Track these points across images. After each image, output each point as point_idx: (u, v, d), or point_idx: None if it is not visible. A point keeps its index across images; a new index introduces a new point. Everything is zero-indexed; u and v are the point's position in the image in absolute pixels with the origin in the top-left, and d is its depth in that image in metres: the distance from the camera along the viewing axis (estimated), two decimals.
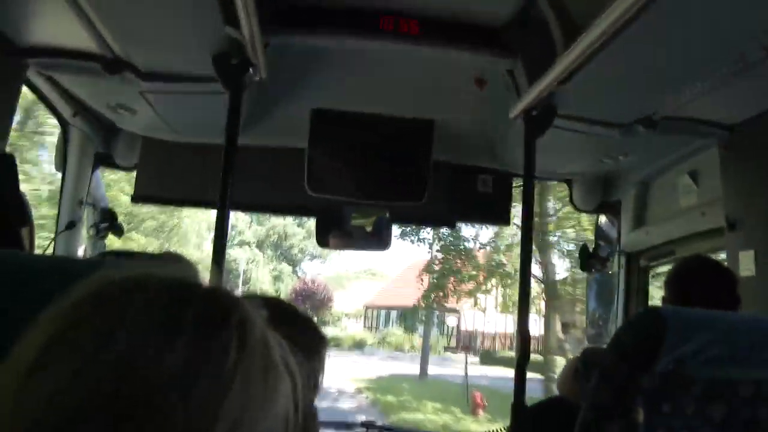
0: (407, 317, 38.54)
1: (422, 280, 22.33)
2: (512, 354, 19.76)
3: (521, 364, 2.34)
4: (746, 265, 2.51)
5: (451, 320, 34.10)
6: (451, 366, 27.23)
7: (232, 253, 43.81)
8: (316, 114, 3.10)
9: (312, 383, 1.86)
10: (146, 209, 23.29)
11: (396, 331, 38.01)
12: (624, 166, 3.30)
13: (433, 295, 21.82)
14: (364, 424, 3.57)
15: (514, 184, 3.55)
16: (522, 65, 2.55)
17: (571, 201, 3.76)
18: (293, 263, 46.31)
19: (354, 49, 2.70)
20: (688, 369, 1.38)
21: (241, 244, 44.55)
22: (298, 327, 1.88)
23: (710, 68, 2.11)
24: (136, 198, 3.54)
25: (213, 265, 2.28)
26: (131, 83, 2.51)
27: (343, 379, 21.22)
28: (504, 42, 2.56)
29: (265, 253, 44.87)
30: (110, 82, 2.48)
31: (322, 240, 3.50)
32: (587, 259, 3.71)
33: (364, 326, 43.58)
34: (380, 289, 45.55)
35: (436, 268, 21.05)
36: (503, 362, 25.56)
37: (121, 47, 2.30)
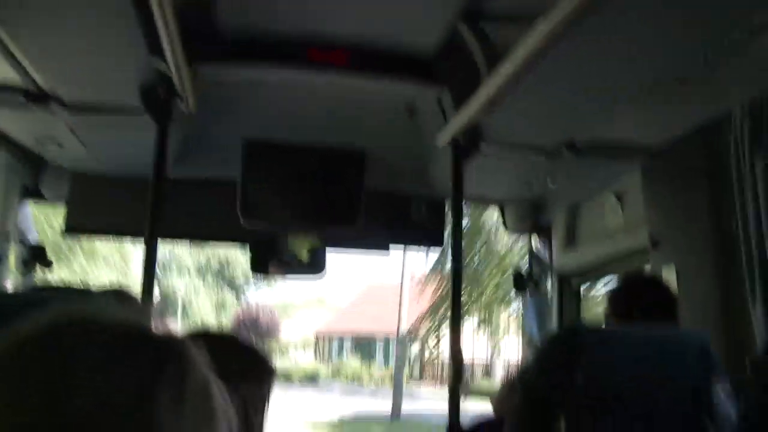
0: (362, 346, 36.88)
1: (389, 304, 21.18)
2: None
3: (454, 387, 2.37)
4: (669, 281, 2.60)
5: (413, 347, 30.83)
6: (421, 400, 23.71)
7: (171, 281, 42.20)
8: (249, 145, 3.10)
9: (260, 410, 1.86)
10: None
11: (351, 362, 35.60)
12: (553, 190, 3.38)
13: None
14: None
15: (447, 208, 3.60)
16: (450, 93, 2.60)
17: (504, 224, 3.82)
18: (237, 291, 44.48)
19: (284, 79, 2.72)
20: (606, 382, 1.43)
21: (180, 271, 42.84)
22: (245, 358, 1.88)
23: (628, 95, 2.20)
24: (67, 230, 3.47)
25: (143, 297, 2.25)
26: (57, 115, 2.47)
27: (298, 422, 17.47)
28: (432, 71, 2.61)
29: (206, 281, 43.16)
30: (35, 114, 2.44)
31: (258, 268, 3.49)
32: (521, 280, 3.78)
33: (315, 357, 41.07)
34: (331, 316, 43.48)
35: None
36: (482, 394, 19.69)
37: (45, 79, 2.27)
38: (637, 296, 2.24)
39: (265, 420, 1.89)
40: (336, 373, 34.33)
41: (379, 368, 33.80)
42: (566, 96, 2.28)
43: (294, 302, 47.71)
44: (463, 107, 2.33)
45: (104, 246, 25.02)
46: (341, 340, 39.78)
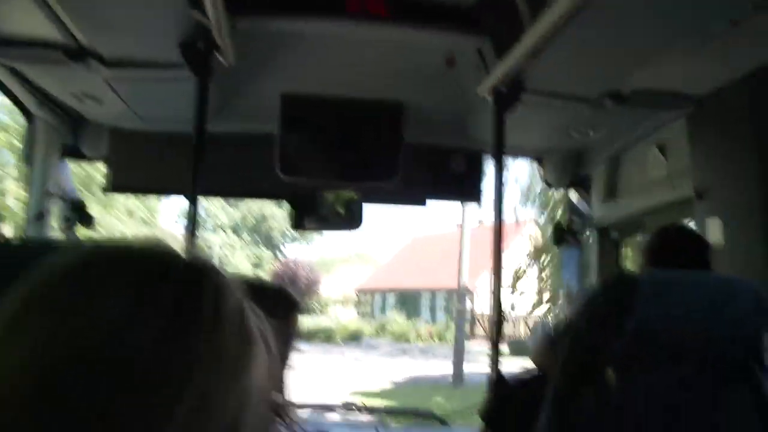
0: (407, 302, 35.66)
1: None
2: None
3: (495, 341, 2.37)
4: (714, 233, 2.56)
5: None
6: (482, 360, 18.76)
7: (206, 237, 41.35)
8: (286, 99, 3.08)
9: (287, 351, 1.88)
10: None
11: (397, 318, 33.58)
12: (594, 141, 3.33)
13: None
14: (345, 405, 3.59)
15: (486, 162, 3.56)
16: (491, 43, 2.55)
17: (542, 177, 3.78)
18: (273, 248, 43.85)
19: (322, 32, 2.69)
20: (658, 330, 1.41)
21: (215, 228, 42.31)
22: (270, 294, 1.90)
23: (676, 40, 2.14)
24: (108, 188, 3.50)
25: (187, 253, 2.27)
26: (96, 71, 2.48)
27: (342, 391, 12.11)
28: (472, 20, 2.56)
29: (242, 238, 42.87)
30: (74, 71, 2.45)
31: (297, 223, 3.51)
32: (560, 233, 3.75)
33: (358, 313, 39.34)
34: (373, 272, 42.18)
35: None
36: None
37: (83, 35, 2.27)
38: (674, 246, 2.22)
39: (292, 353, 1.91)
40: (380, 331, 32.63)
41: (426, 324, 32.63)
42: (610, 44, 2.22)
43: (334, 258, 46.74)
44: (504, 57, 2.29)
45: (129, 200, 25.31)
46: (384, 296, 38.61)
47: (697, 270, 2.08)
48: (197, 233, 2.47)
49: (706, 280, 1.61)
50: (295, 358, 1.92)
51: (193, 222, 2.39)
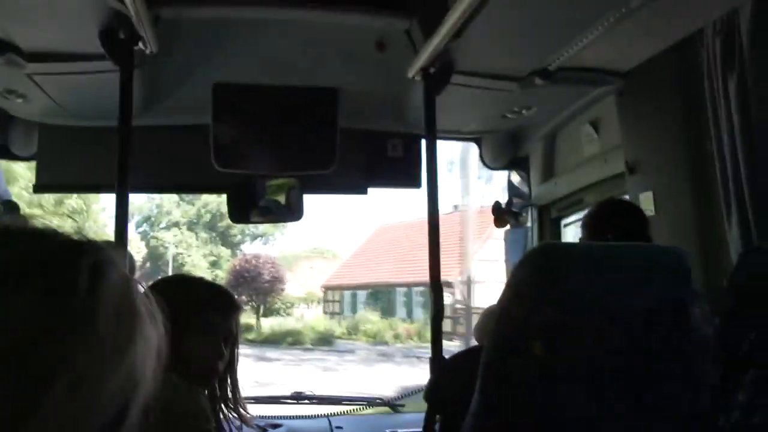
0: (380, 298, 32.99)
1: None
2: None
3: (436, 319, 2.38)
4: (646, 205, 2.61)
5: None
6: None
7: (160, 236, 40.18)
8: (218, 88, 3.03)
9: (231, 345, 1.86)
10: None
11: (370, 317, 31.01)
12: (529, 121, 3.36)
13: None
14: (293, 396, 3.57)
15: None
16: (418, 24, 2.55)
17: (482, 160, 3.80)
18: (232, 246, 41.30)
19: (249, 18, 2.66)
20: (583, 301, 1.43)
21: (169, 226, 40.66)
22: (208, 291, 1.88)
23: (598, 16, 2.15)
24: (38, 188, 3.41)
25: (116, 249, 2.22)
26: (17, 66, 2.41)
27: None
28: (400, 2, 2.55)
29: (199, 236, 40.41)
30: None
31: (237, 216, 3.47)
32: (501, 214, 3.78)
33: (325, 312, 36.21)
34: (339, 267, 38.84)
35: None
36: None
37: (0, 27, 2.20)
38: (610, 219, 2.26)
39: (237, 355, 1.90)
40: (353, 331, 30.51)
41: (403, 323, 29.95)
42: (536, 21, 2.23)
43: (296, 253, 43.77)
44: (431, 37, 2.28)
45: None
46: (354, 294, 35.29)
47: (635, 240, 2.12)
48: (127, 231, 2.41)
49: (629, 249, 1.63)
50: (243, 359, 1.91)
51: (122, 220, 2.33)
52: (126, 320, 0.62)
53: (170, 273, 36.94)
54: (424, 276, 2.52)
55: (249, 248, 41.52)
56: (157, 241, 40.62)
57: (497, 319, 1.46)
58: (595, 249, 1.53)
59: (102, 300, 0.60)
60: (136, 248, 38.55)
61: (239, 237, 41.94)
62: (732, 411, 1.68)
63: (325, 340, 29.13)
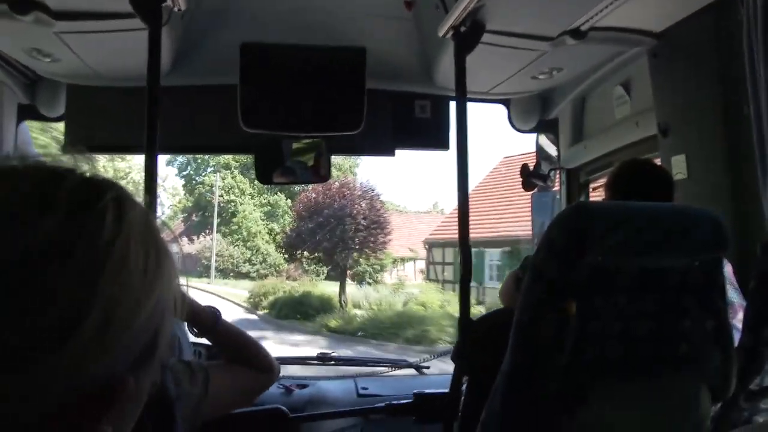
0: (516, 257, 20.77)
1: None
2: None
3: (464, 280, 2.37)
4: (679, 168, 2.57)
5: None
6: None
7: (207, 180, 37.43)
8: (246, 48, 3.01)
9: None
10: None
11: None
12: (559, 83, 3.32)
13: None
14: (319, 357, 3.60)
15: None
16: None
17: (510, 122, 3.77)
18: (293, 195, 35.26)
19: None
20: (616, 260, 1.41)
21: (219, 168, 37.05)
22: None
23: None
24: (67, 149, 3.42)
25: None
26: (45, 24, 2.40)
27: None
28: None
29: (254, 182, 34.62)
30: (22, 25, 2.37)
31: (264, 177, 3.46)
32: (528, 177, 3.75)
33: (428, 279, 28.49)
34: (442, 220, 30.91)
35: None
36: None
37: None
38: (634, 179, 2.23)
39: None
40: None
41: None
42: None
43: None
44: None
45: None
46: (481, 253, 24.62)
47: (658, 199, 2.10)
48: (157, 191, 2.41)
49: (665, 209, 1.61)
50: None
51: (151, 180, 2.33)
52: (152, 251, 0.63)
53: (216, 225, 35.83)
54: None
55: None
56: (203, 187, 38.38)
57: (530, 278, 1.46)
58: (630, 209, 1.51)
59: (129, 231, 0.60)
60: (175, 196, 37.16)
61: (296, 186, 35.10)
62: (765, 375, 1.68)
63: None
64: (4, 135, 3.13)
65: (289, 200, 36.95)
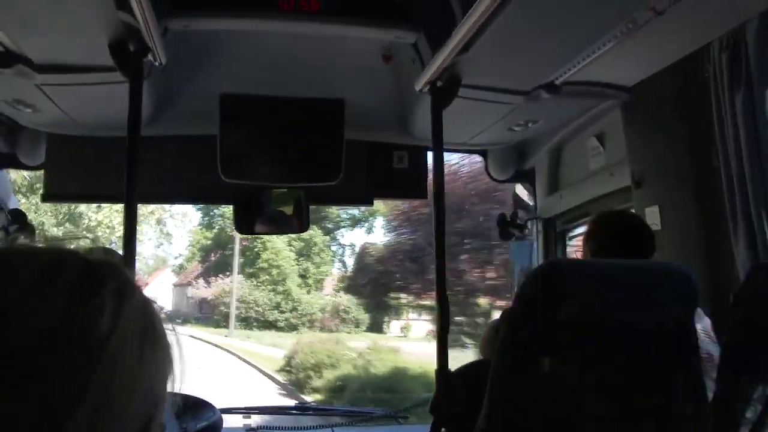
0: None
1: None
2: None
3: (442, 330, 2.38)
4: (652, 220, 2.61)
5: None
6: None
7: (229, 213, 28.67)
8: (225, 99, 3.04)
9: None
10: None
11: None
12: (535, 134, 3.37)
13: None
14: (297, 407, 3.57)
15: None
16: (425, 37, 2.56)
17: (487, 172, 3.81)
18: (329, 229, 32.07)
19: (257, 30, 2.67)
20: (589, 315, 1.43)
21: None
22: None
23: (604, 31, 2.17)
24: (47, 197, 3.42)
25: (125, 260, 2.22)
26: (26, 77, 2.42)
27: None
28: (406, 15, 2.57)
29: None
30: (4, 77, 2.39)
31: (243, 227, 3.47)
32: (505, 227, 3.78)
33: None
34: None
35: None
36: None
37: (10, 39, 2.21)
38: (612, 232, 2.25)
39: None
40: None
41: None
42: (542, 36, 2.25)
43: None
44: (438, 51, 2.29)
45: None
46: None
47: (634, 253, 2.12)
48: (136, 243, 2.40)
49: (635, 267, 1.64)
50: None
51: (131, 230, 2.33)
52: (147, 343, 0.63)
53: (237, 265, 29.65)
54: None
55: (350, 236, 33.11)
56: (224, 220, 31.46)
57: (505, 334, 1.47)
58: (603, 266, 1.54)
59: (126, 325, 0.61)
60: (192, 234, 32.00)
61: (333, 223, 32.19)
62: (740, 428, 1.68)
63: None
64: None
65: (327, 236, 31.75)
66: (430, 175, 2.87)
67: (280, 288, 30.26)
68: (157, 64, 2.36)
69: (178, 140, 3.25)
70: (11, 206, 3.40)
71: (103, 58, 2.30)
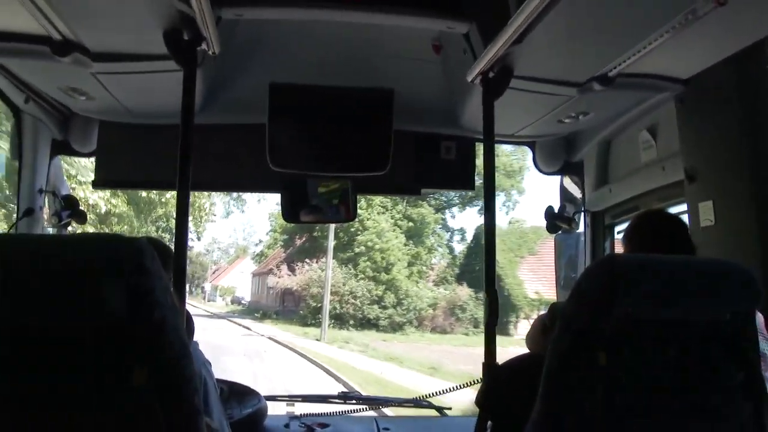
0: None
1: None
2: None
3: (490, 323, 2.37)
4: (706, 215, 2.56)
5: None
6: None
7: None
8: (274, 88, 3.06)
9: None
10: None
11: None
12: (585, 126, 3.32)
13: None
14: (340, 395, 3.59)
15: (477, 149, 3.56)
16: (477, 28, 2.54)
17: (535, 163, 3.78)
18: (440, 206, 27.98)
19: (308, 20, 2.68)
20: (646, 311, 1.42)
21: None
22: None
23: (662, 22, 2.13)
24: (97, 183, 3.48)
25: (176, 248, 2.25)
26: (82, 65, 2.47)
27: None
28: (458, 6, 2.55)
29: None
30: (61, 65, 2.43)
31: (290, 215, 3.49)
32: (553, 220, 3.75)
33: None
34: None
35: None
36: None
37: (69, 28, 2.25)
38: (656, 230, 2.22)
39: None
40: None
41: None
42: (595, 27, 2.22)
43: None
44: (491, 42, 2.27)
45: None
46: None
47: (679, 251, 2.09)
48: (188, 228, 2.43)
49: (695, 263, 1.62)
50: None
51: (183, 216, 2.35)
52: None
53: (331, 249, 25.09)
54: None
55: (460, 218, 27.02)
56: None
57: (561, 327, 1.46)
58: (660, 262, 1.51)
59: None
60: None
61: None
62: None
63: None
64: (38, 169, 3.19)
65: (438, 213, 26.92)
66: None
67: (383, 276, 25.60)
68: (210, 52, 2.38)
69: (227, 128, 3.28)
70: (63, 192, 3.47)
71: (157, 46, 2.33)
